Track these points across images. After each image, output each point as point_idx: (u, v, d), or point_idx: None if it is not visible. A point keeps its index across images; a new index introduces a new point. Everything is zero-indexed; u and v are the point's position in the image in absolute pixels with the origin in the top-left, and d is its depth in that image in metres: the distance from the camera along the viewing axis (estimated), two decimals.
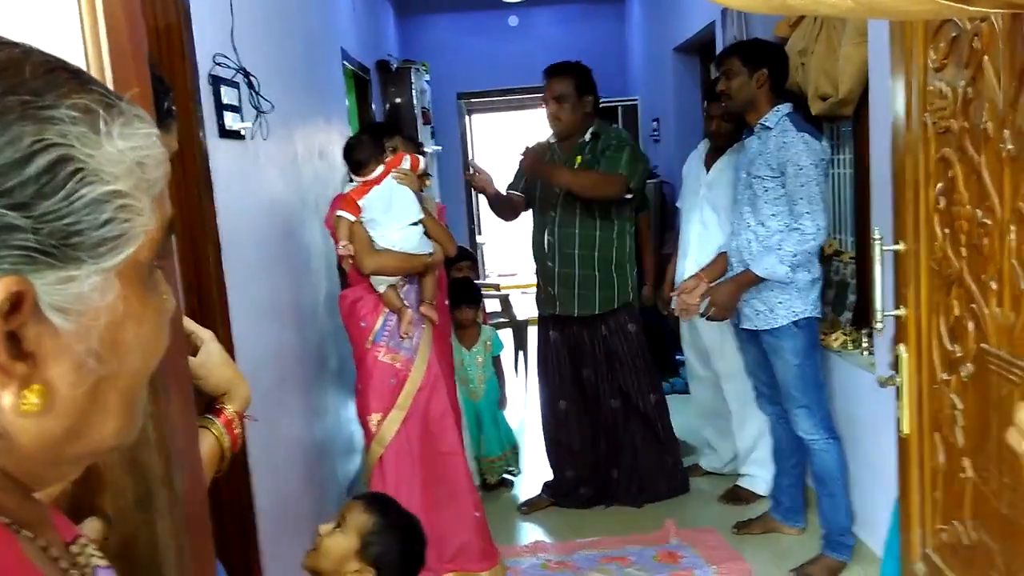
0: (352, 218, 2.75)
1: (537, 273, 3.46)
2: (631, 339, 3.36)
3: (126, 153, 0.49)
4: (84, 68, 0.74)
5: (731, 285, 2.86)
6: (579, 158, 3.28)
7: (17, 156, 0.44)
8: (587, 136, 3.30)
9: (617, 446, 3.46)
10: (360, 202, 2.76)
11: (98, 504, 0.70)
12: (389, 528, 1.67)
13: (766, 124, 2.80)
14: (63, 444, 0.50)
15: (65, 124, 0.46)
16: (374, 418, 2.79)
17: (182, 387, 0.76)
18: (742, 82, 2.84)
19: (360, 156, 2.82)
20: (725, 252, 3.07)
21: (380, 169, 2.80)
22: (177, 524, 0.70)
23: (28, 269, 0.45)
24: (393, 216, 2.77)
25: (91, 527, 0.75)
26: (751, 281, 2.79)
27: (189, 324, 1.01)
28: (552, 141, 3.41)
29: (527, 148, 3.21)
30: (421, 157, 2.92)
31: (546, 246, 3.36)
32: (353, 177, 2.85)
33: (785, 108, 2.81)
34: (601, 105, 7.02)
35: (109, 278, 0.48)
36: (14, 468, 0.50)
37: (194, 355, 0.98)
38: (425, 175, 2.96)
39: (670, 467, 3.56)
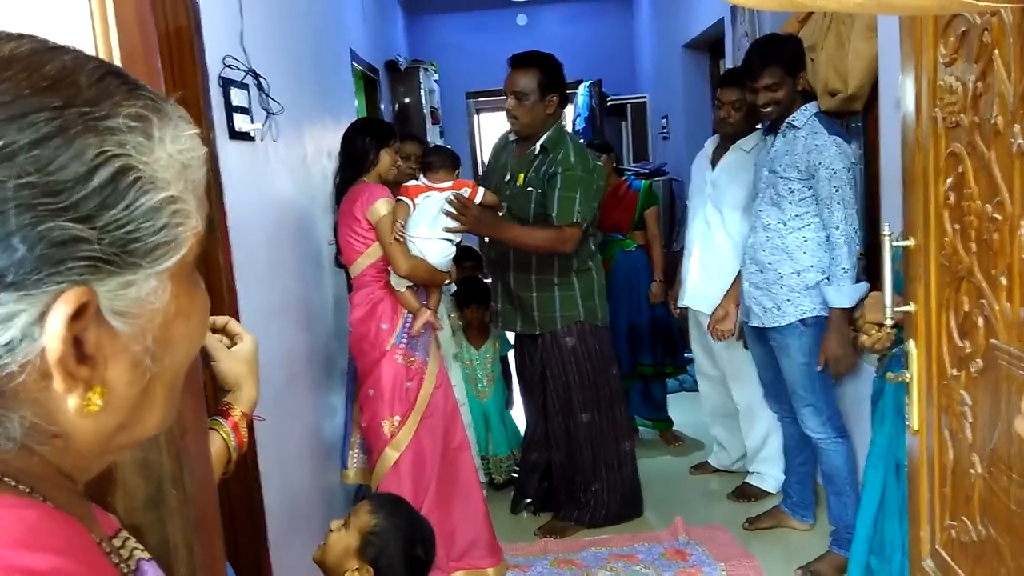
0: (412, 208, 2.80)
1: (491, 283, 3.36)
2: (565, 353, 3.13)
3: (175, 157, 0.50)
4: None
5: (834, 334, 2.66)
6: (522, 176, 3.05)
7: (82, 170, 0.45)
8: (537, 147, 3.04)
9: (547, 458, 3.36)
10: (417, 199, 2.80)
11: (109, 503, 0.71)
12: (390, 529, 1.69)
13: (793, 123, 2.73)
14: (113, 437, 0.52)
15: (123, 134, 0.47)
16: (389, 423, 2.77)
17: (193, 388, 0.77)
18: (788, 91, 2.74)
19: (435, 159, 2.90)
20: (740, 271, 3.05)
21: (449, 183, 2.84)
22: (187, 524, 0.70)
23: (92, 278, 0.46)
24: (436, 229, 2.80)
25: None
26: (843, 318, 2.64)
27: (235, 326, 1.04)
28: (512, 138, 3.20)
29: (462, 206, 2.82)
30: (481, 189, 2.92)
31: (485, 263, 3.25)
32: (421, 178, 2.88)
33: (813, 107, 2.75)
34: (609, 103, 7.06)
35: (163, 280, 0.50)
36: (67, 465, 0.52)
37: (229, 347, 1.01)
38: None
39: (585, 493, 3.28)
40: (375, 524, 1.69)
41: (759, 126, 3.32)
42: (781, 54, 2.76)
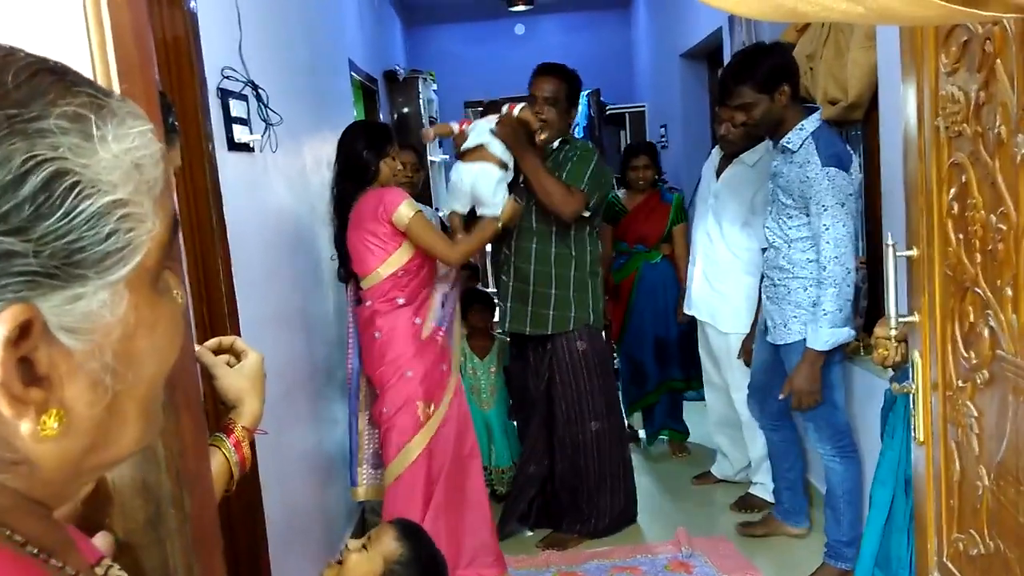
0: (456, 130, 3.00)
1: (496, 286, 3.33)
2: (575, 357, 3.12)
3: (122, 157, 0.46)
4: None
5: (804, 368, 2.62)
6: None
7: (9, 178, 0.42)
8: (556, 144, 3.13)
9: (547, 471, 3.31)
10: (465, 127, 2.97)
11: (108, 525, 0.70)
12: (415, 561, 1.68)
13: (787, 145, 2.60)
14: (83, 460, 0.49)
15: (56, 136, 0.43)
16: (424, 405, 2.71)
17: (192, 406, 0.76)
18: (764, 109, 2.61)
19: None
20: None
21: None
22: (187, 545, 0.69)
23: (33, 294, 0.43)
24: (480, 137, 2.92)
25: (102, 542, 0.74)
26: (817, 357, 2.60)
27: (242, 344, 1.02)
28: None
29: (507, 114, 2.94)
30: (520, 105, 2.99)
31: (502, 259, 3.21)
32: None
33: (810, 126, 2.58)
34: (608, 112, 7.07)
35: (118, 291, 0.46)
36: (37, 492, 0.49)
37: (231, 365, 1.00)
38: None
39: (588, 504, 3.26)
40: (401, 554, 1.67)
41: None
42: (753, 71, 2.61)
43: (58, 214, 0.43)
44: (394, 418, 2.73)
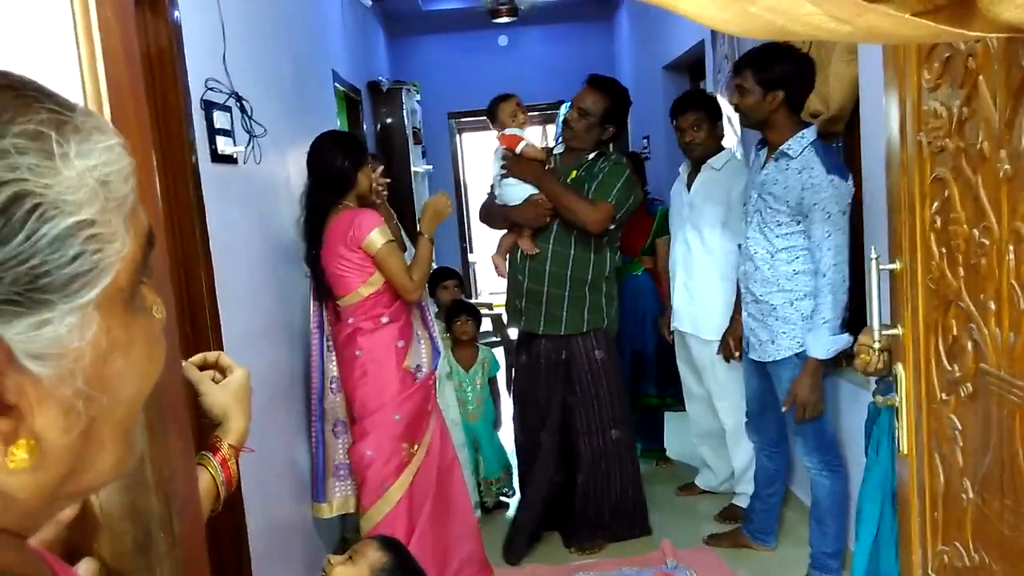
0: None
1: (508, 285, 3.33)
2: (595, 367, 3.15)
3: (86, 175, 0.44)
4: (77, 94, 0.72)
5: (806, 378, 2.61)
6: (574, 172, 3.13)
7: None
8: (590, 155, 3.17)
9: (564, 480, 3.29)
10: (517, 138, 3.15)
11: (96, 550, 0.68)
12: (400, 568, 1.68)
13: (787, 151, 2.60)
14: (60, 488, 0.47)
15: (13, 156, 0.41)
16: (408, 446, 2.74)
17: (181, 426, 0.75)
18: (754, 101, 2.62)
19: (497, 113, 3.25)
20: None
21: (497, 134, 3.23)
22: (176, 569, 0.68)
23: None
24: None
25: (86, 568, 0.73)
26: (818, 367, 2.60)
27: (227, 360, 1.01)
28: (557, 152, 3.28)
29: (511, 158, 3.14)
30: (524, 141, 3.15)
31: (518, 258, 3.21)
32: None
33: (810, 135, 2.60)
34: None
35: (87, 314, 0.44)
36: (12, 523, 0.47)
37: (216, 381, 0.99)
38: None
39: (626, 510, 3.30)
40: (386, 562, 1.68)
41: (727, 146, 3.37)
42: (762, 63, 2.61)
43: (19, 238, 0.41)
44: (379, 464, 2.72)
